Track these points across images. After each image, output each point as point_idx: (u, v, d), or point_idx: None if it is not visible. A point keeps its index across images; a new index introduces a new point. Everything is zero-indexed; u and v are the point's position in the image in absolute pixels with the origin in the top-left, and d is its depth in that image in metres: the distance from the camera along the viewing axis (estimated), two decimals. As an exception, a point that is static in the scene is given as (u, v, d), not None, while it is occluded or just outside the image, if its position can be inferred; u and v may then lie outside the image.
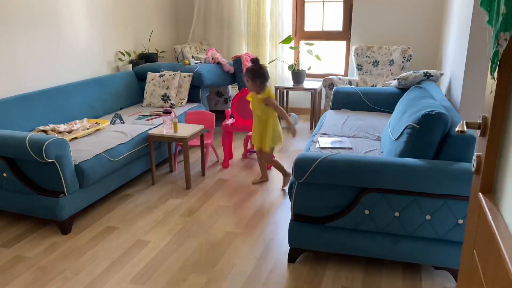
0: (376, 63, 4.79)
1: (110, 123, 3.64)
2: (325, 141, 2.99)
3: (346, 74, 5.37)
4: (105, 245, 2.59)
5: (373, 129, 3.28)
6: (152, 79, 4.28)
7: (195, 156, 4.09)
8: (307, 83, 5.11)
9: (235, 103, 3.75)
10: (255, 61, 3.17)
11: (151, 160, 3.38)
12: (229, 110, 3.85)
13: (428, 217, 2.08)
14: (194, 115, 3.81)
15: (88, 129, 3.33)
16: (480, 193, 1.21)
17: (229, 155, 3.92)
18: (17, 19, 3.39)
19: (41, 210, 2.70)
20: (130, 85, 4.41)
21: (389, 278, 2.25)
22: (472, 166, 1.28)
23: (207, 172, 3.71)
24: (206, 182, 3.51)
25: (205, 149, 3.70)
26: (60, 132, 3.18)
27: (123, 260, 2.43)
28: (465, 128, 1.23)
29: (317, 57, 4.91)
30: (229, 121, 3.81)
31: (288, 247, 2.45)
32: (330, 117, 3.63)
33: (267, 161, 3.40)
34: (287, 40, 4.93)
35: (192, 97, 4.45)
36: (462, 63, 3.23)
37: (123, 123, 3.69)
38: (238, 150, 4.28)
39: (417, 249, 2.15)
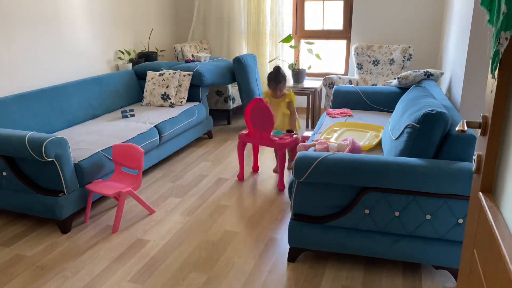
0: (376, 62, 4.78)
1: (122, 117, 3.78)
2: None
3: (346, 73, 5.36)
4: (104, 244, 2.59)
5: (373, 128, 3.27)
6: (152, 78, 4.28)
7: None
8: (307, 82, 5.10)
9: (249, 113, 3.35)
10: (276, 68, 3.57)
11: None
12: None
13: (428, 216, 2.07)
14: (121, 149, 2.95)
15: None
16: (480, 193, 1.21)
17: (251, 166, 3.72)
18: (16, 18, 3.39)
19: (40, 209, 2.70)
20: (130, 84, 4.41)
21: (389, 277, 2.25)
22: (473, 166, 1.28)
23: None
24: (205, 182, 3.51)
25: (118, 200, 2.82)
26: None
27: (122, 259, 2.43)
28: (466, 128, 1.23)
29: (317, 56, 4.90)
30: (245, 131, 3.51)
31: (288, 247, 2.45)
32: (330, 117, 3.63)
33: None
34: (287, 39, 4.93)
35: (192, 96, 4.45)
36: (462, 62, 3.22)
37: (134, 115, 3.86)
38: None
39: (417, 249, 2.15)
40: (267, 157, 4.03)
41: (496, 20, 1.06)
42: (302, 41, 5.47)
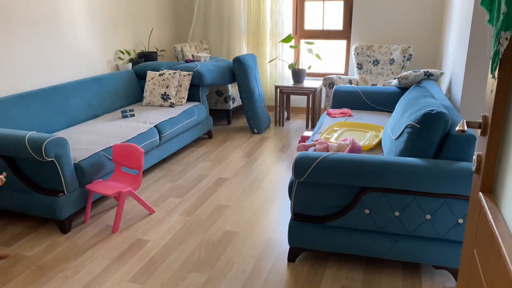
0: (376, 62, 4.78)
1: (122, 117, 3.79)
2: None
3: (346, 73, 5.36)
4: (104, 244, 2.59)
5: (373, 128, 3.27)
6: (152, 78, 4.28)
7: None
8: (307, 82, 5.10)
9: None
10: None
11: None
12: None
13: (428, 216, 2.07)
14: (120, 149, 2.93)
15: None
16: (480, 193, 1.21)
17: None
18: (16, 18, 3.39)
19: (40, 209, 2.70)
20: (130, 84, 4.41)
21: (389, 277, 2.25)
22: (473, 166, 1.28)
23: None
24: (205, 182, 3.51)
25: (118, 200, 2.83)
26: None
27: (122, 259, 2.43)
28: (466, 128, 1.23)
29: (317, 56, 4.90)
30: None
31: (288, 246, 2.45)
32: (330, 116, 3.63)
33: None
34: (287, 39, 4.93)
35: (192, 96, 4.45)
36: (462, 62, 3.22)
37: (134, 115, 3.85)
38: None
39: (417, 249, 2.15)
40: (268, 156, 4.03)
41: (496, 20, 1.06)
42: (302, 41, 5.47)
